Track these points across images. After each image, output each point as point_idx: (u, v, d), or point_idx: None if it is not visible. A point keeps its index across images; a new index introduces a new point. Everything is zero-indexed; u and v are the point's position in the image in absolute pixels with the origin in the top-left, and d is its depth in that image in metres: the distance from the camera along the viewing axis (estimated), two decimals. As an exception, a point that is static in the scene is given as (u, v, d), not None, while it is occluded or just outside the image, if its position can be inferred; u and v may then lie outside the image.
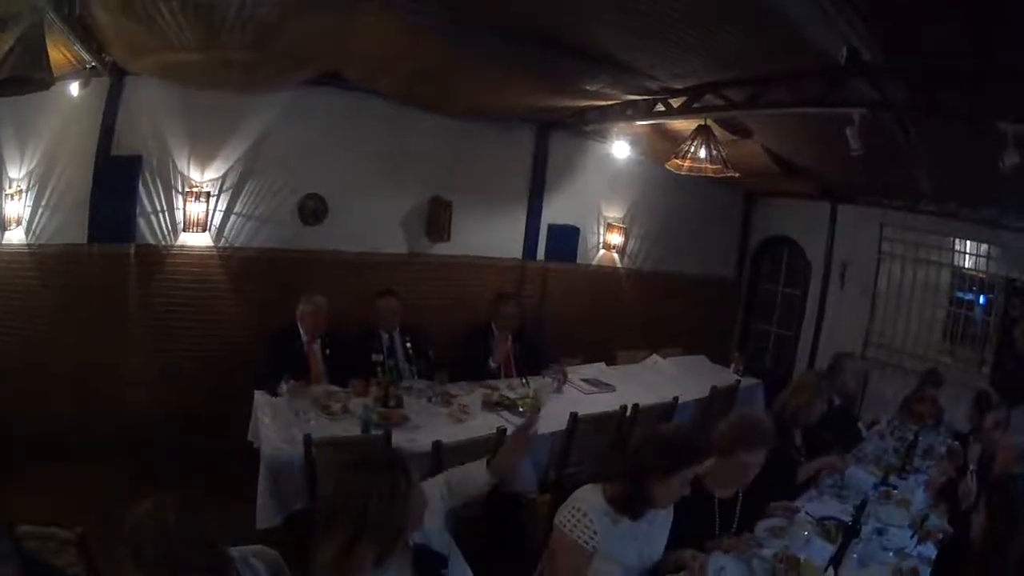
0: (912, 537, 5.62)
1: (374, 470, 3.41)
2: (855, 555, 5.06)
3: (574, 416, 7.31)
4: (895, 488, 6.77)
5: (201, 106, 8.34)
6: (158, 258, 8.40)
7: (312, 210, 8.99)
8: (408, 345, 8.43)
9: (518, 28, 6.55)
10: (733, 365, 10.99)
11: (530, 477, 7.10)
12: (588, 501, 4.13)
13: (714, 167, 8.70)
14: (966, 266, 13.02)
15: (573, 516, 4.08)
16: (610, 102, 9.06)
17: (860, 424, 9.02)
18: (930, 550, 5.44)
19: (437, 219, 9.73)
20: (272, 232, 8.97)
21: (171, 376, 8.48)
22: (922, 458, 7.91)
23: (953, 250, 12.98)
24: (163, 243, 8.39)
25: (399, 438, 6.39)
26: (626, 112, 9.11)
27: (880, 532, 5.59)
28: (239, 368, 8.08)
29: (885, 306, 13.59)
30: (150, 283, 8.49)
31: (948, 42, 6.01)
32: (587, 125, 10.08)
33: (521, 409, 7.51)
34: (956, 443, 8.41)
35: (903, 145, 8.51)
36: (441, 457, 6.12)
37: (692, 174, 8.91)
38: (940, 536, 5.57)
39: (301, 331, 7.95)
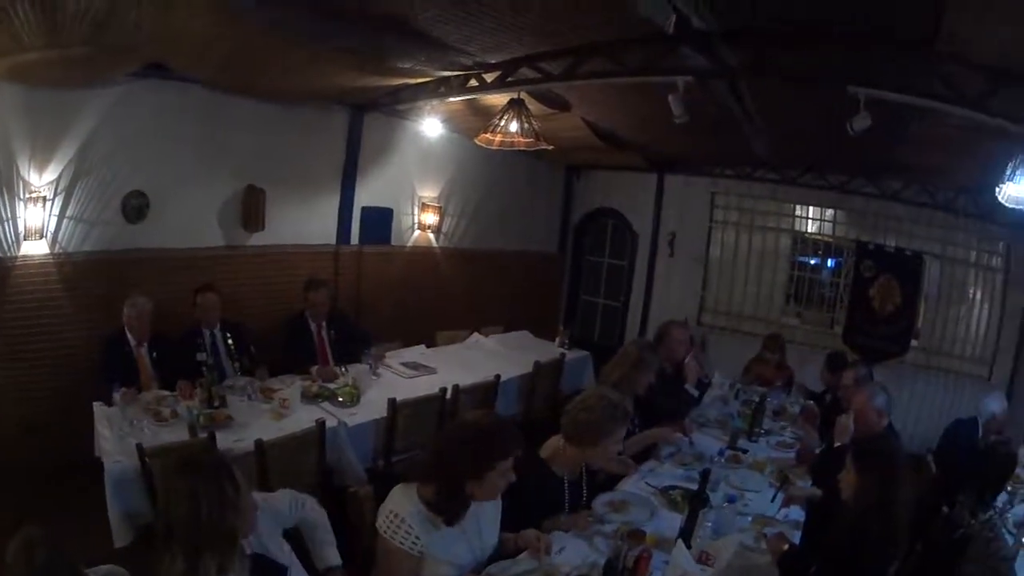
0: (773, 501, 5.64)
1: (199, 477, 3.29)
2: (709, 524, 4.93)
3: (393, 402, 7.17)
4: (745, 452, 6.89)
5: (42, 106, 7.81)
6: (2, 272, 7.88)
7: (135, 208, 8.41)
8: (230, 341, 8.09)
9: (329, 6, 6.34)
10: (558, 339, 11.08)
11: (356, 469, 6.90)
12: (403, 505, 3.92)
13: (526, 140, 8.50)
14: (809, 231, 13.53)
15: (392, 522, 3.88)
16: (424, 80, 8.80)
17: (691, 389, 8.73)
18: (798, 513, 5.50)
19: (251, 209, 9.28)
20: (101, 234, 8.28)
21: (19, 391, 7.95)
22: (773, 419, 8.12)
23: (794, 216, 13.45)
24: (8, 255, 7.88)
25: (225, 440, 6.12)
26: (439, 89, 8.81)
27: (732, 499, 5.55)
28: (83, 379, 7.78)
29: (720, 273, 13.98)
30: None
31: (788, 6, 5.97)
32: (401, 105, 9.81)
33: (340, 399, 7.32)
34: (811, 402, 8.63)
35: (738, 113, 8.53)
36: (265, 456, 5.90)
37: (503, 148, 8.72)
38: (804, 501, 5.57)
39: (128, 336, 7.57)
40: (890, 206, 12.61)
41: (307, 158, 9.90)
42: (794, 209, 13.51)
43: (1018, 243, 11.83)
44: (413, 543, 3.81)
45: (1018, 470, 7.05)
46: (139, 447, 5.53)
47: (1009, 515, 6.27)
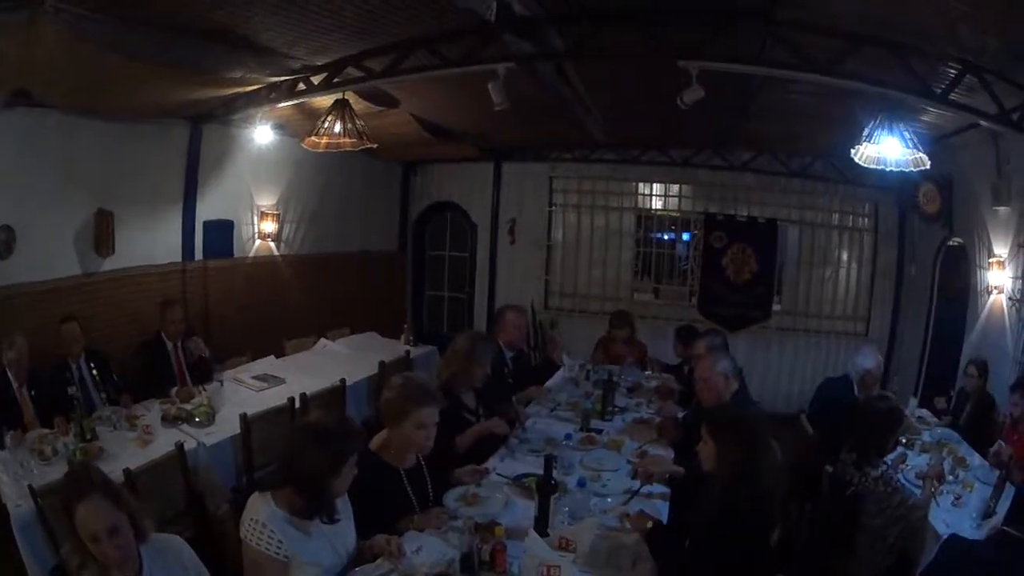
0: (634, 478, 5.59)
1: (80, 501, 3.30)
2: (565, 509, 4.92)
3: (244, 417, 7.06)
4: (599, 432, 6.88)
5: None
6: None
7: (3, 242, 8.34)
8: (94, 372, 7.93)
9: (161, 20, 6.41)
10: (403, 336, 11.09)
11: (221, 489, 6.74)
12: (261, 511, 3.85)
13: (351, 141, 8.63)
14: (654, 207, 13.71)
15: (254, 528, 3.80)
16: (255, 87, 8.74)
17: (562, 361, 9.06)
18: (662, 488, 5.47)
19: (102, 233, 9.11)
20: None
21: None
22: (629, 396, 8.17)
23: (636, 193, 13.61)
24: None
25: (98, 472, 6.08)
26: (270, 95, 8.73)
27: (582, 483, 5.44)
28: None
29: (563, 256, 13.98)
30: None
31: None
32: (235, 114, 9.75)
33: (197, 419, 7.18)
34: (668, 375, 8.72)
35: (569, 97, 8.55)
36: (135, 485, 5.61)
37: (331, 150, 8.62)
38: (665, 476, 5.44)
39: (10, 377, 7.45)
40: (740, 176, 12.94)
41: (151, 175, 9.48)
42: (636, 187, 13.78)
43: (884, 202, 12.34)
44: (278, 547, 3.76)
45: (913, 420, 7.36)
46: (30, 488, 5.52)
47: (909, 466, 6.56)
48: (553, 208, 14.10)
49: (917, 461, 6.77)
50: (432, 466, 5.11)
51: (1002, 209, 8.99)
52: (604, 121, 10.50)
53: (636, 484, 5.44)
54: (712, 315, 12.75)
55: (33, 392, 7.35)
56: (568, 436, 6.68)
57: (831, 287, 12.99)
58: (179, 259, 10.12)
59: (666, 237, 14.15)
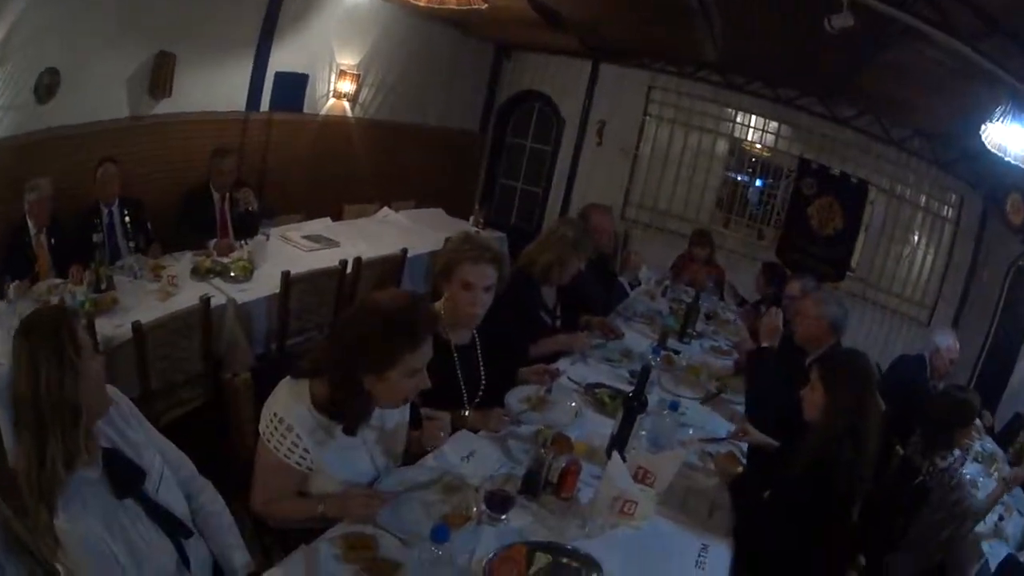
0: (704, 403, 5.30)
1: (35, 337, 2.73)
2: (644, 432, 4.31)
3: (286, 276, 6.57)
4: (677, 353, 6.29)
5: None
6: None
7: (46, 87, 7.75)
8: (127, 219, 7.38)
9: None
10: (472, 218, 10.65)
11: (246, 355, 6.38)
12: (290, 408, 3.19)
13: None
14: (749, 139, 13.19)
15: (276, 429, 3.17)
16: None
17: (624, 282, 8.44)
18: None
19: (160, 74, 8.61)
20: (12, 119, 7.63)
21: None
22: (705, 323, 7.64)
23: (734, 121, 13.09)
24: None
25: (106, 325, 5.48)
26: None
27: (674, 406, 4.80)
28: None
29: (649, 169, 13.48)
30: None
31: None
32: None
33: (232, 274, 6.72)
34: (744, 308, 8.40)
35: (696, 5, 8.08)
36: (144, 342, 5.31)
37: (432, 5, 7.97)
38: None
39: (30, 224, 6.80)
40: (840, 130, 12.33)
41: (225, 18, 9.05)
42: (735, 115, 13.22)
43: (970, 199, 11.70)
44: (301, 458, 3.17)
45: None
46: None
47: (965, 472, 6.14)
48: (647, 118, 13.50)
49: (971, 468, 6.40)
50: (488, 349, 4.64)
51: None
52: (723, 37, 9.88)
53: (723, 430, 4.95)
54: (788, 261, 12.25)
55: (53, 240, 6.96)
56: (655, 351, 6.09)
57: (906, 266, 12.53)
58: (243, 108, 9.59)
59: (741, 178, 13.74)
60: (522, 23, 11.01)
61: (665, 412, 4.65)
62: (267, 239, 7.77)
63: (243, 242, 7.64)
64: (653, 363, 5.66)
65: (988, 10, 5.77)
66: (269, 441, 3.18)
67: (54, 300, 5.85)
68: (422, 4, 8.04)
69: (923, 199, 12.24)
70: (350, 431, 3.26)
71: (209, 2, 8.65)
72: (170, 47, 8.33)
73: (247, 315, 6.41)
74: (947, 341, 7.49)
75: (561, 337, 5.75)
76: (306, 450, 3.15)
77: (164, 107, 8.61)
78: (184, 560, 2.98)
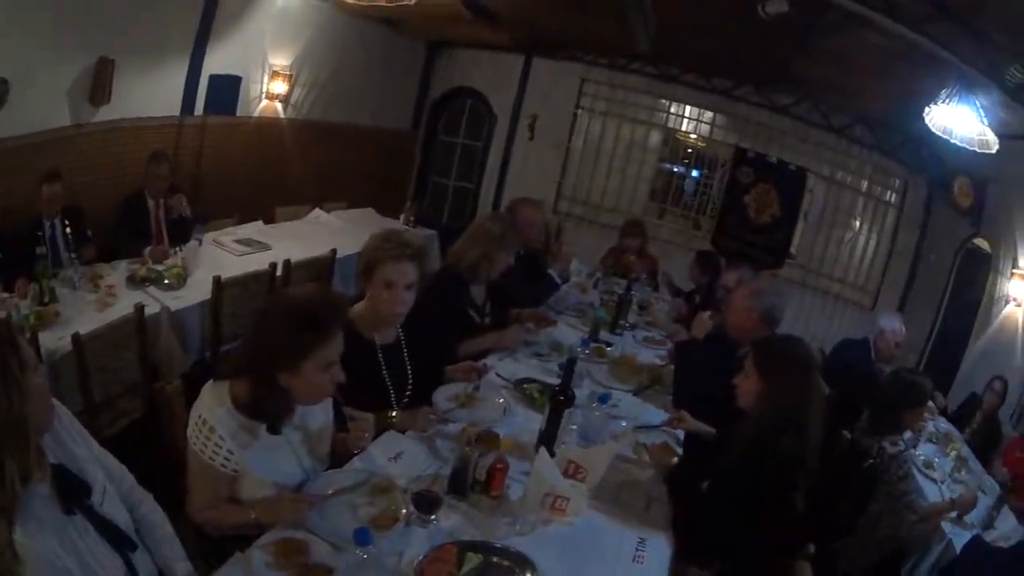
0: (636, 394, 5.25)
1: None
2: (574, 428, 4.28)
3: (217, 281, 6.51)
4: (609, 345, 6.25)
5: None
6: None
7: None
8: (68, 230, 7.32)
9: None
10: (403, 216, 10.62)
11: (182, 363, 6.29)
12: (212, 410, 3.17)
13: None
14: (683, 129, 13.36)
15: (201, 432, 3.15)
16: None
17: (555, 275, 8.31)
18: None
19: (100, 81, 8.56)
20: None
21: None
22: (638, 313, 7.68)
23: (668, 112, 13.22)
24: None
25: (50, 339, 5.38)
26: None
27: (604, 400, 4.81)
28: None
29: (581, 161, 13.58)
30: None
31: None
32: None
33: (167, 281, 6.63)
34: (678, 299, 8.41)
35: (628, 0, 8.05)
36: (83, 353, 5.20)
37: (364, 2, 8.07)
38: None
39: None
40: (777, 119, 12.53)
41: (161, 22, 8.97)
42: (669, 106, 13.36)
43: (915, 184, 12.00)
44: (225, 460, 3.14)
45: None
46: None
47: (919, 452, 6.36)
48: (579, 111, 13.63)
49: (925, 450, 6.60)
50: (415, 348, 4.57)
51: None
52: (657, 29, 9.88)
53: (657, 418, 4.88)
54: (724, 249, 12.34)
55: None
56: (585, 343, 6.08)
57: (847, 252, 12.74)
58: (178, 112, 9.59)
59: (676, 169, 13.94)
60: (454, 20, 11.03)
61: (595, 405, 4.64)
62: (200, 244, 7.79)
63: (177, 249, 7.50)
64: (582, 356, 5.61)
65: None
66: (195, 444, 3.17)
67: (0, 315, 5.82)
68: (353, 2, 8.07)
69: (865, 185, 12.48)
70: (272, 429, 3.24)
71: (147, 6, 8.61)
72: (110, 53, 8.30)
73: (182, 322, 6.35)
74: (892, 324, 7.57)
75: (491, 335, 5.65)
76: (230, 451, 3.14)
77: (104, 114, 8.61)
78: (132, 573, 2.90)
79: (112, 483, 2.98)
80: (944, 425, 7.44)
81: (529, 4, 10.27)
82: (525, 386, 4.91)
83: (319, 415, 3.56)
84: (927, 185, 11.95)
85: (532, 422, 4.25)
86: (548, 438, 3.95)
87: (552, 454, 3.81)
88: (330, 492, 3.29)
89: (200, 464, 3.16)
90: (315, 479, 3.43)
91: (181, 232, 7.97)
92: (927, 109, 6.72)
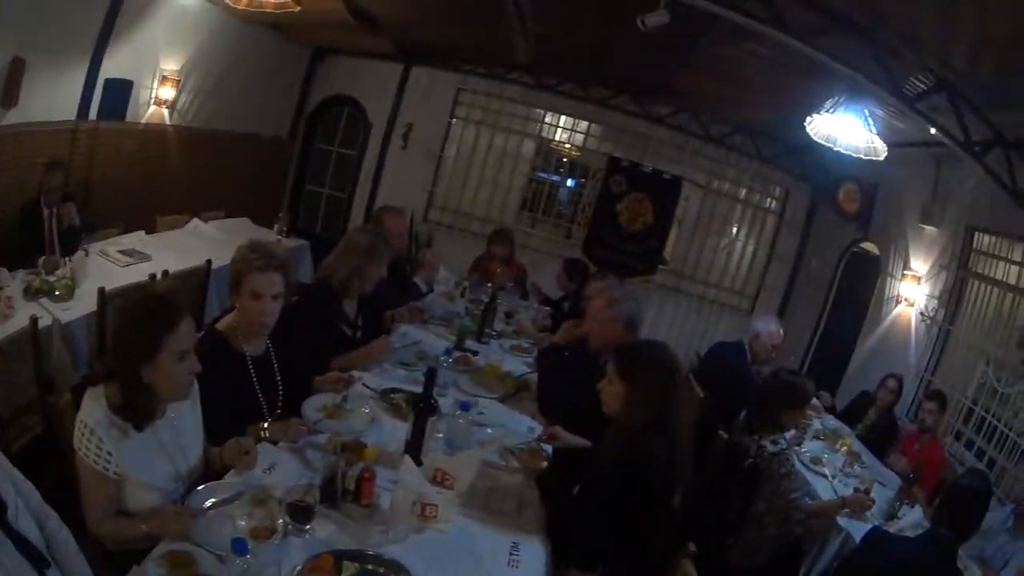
0: (503, 401, 5.40)
1: None
2: (440, 435, 4.38)
3: (102, 292, 6.35)
4: (475, 353, 6.40)
5: None
6: None
7: None
8: None
9: None
10: (276, 226, 10.59)
11: (73, 376, 6.16)
12: (92, 413, 3.26)
13: (277, 0, 7.95)
14: (556, 139, 13.45)
15: (83, 435, 3.24)
16: None
17: (421, 282, 8.44)
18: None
19: (11, 82, 8.46)
20: None
21: None
22: (506, 322, 7.84)
23: (542, 122, 13.31)
24: None
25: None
26: None
27: (465, 407, 4.88)
28: None
29: (453, 170, 13.63)
30: None
31: None
32: None
33: (58, 292, 6.50)
34: (545, 308, 8.45)
35: (511, 8, 8.17)
36: None
37: (251, 9, 8.00)
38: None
39: None
40: (654, 129, 12.74)
41: (69, 20, 8.78)
42: (543, 115, 13.45)
43: (798, 190, 12.38)
44: (106, 462, 3.22)
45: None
46: None
47: (805, 449, 6.50)
48: (454, 121, 13.68)
49: (811, 447, 6.72)
50: (285, 361, 4.60)
51: (929, 228, 9.28)
52: (537, 38, 9.96)
53: (524, 425, 5.05)
54: (595, 257, 12.47)
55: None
56: (447, 352, 6.19)
57: (724, 258, 13.03)
58: (74, 117, 9.32)
59: (553, 178, 14.12)
60: (338, 26, 11.03)
61: (457, 413, 4.74)
62: (87, 255, 7.71)
63: (68, 259, 7.58)
64: (445, 364, 5.79)
65: (825, 4, 6.03)
66: (80, 450, 3.25)
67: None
68: (240, 7, 8.17)
69: (743, 192, 12.77)
70: (139, 427, 3.33)
71: (58, 5, 8.44)
72: (23, 52, 8.13)
73: (72, 334, 6.24)
74: (768, 327, 7.69)
75: (361, 351, 5.58)
76: (109, 453, 3.23)
77: (11, 117, 8.33)
78: (48, 589, 2.98)
79: (22, 499, 2.97)
80: (832, 422, 7.71)
81: (412, 12, 10.34)
82: (392, 396, 4.97)
83: (189, 420, 3.67)
84: (811, 191, 12.32)
85: (399, 431, 4.28)
86: (414, 447, 4.04)
87: (419, 462, 3.92)
88: (209, 504, 3.39)
89: (88, 471, 3.25)
90: (196, 493, 3.50)
91: (70, 242, 7.84)
92: (808, 118, 6.87)
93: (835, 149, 6.93)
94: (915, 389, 8.61)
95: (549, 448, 4.61)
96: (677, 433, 3.92)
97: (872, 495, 5.78)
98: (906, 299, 9.40)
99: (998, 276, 8.22)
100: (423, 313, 6.79)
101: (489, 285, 8.24)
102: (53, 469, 3.51)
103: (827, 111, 6.61)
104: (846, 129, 6.75)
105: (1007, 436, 7.39)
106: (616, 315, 5.39)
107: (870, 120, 6.58)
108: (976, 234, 8.68)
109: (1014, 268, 7.87)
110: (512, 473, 4.28)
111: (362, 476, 3.60)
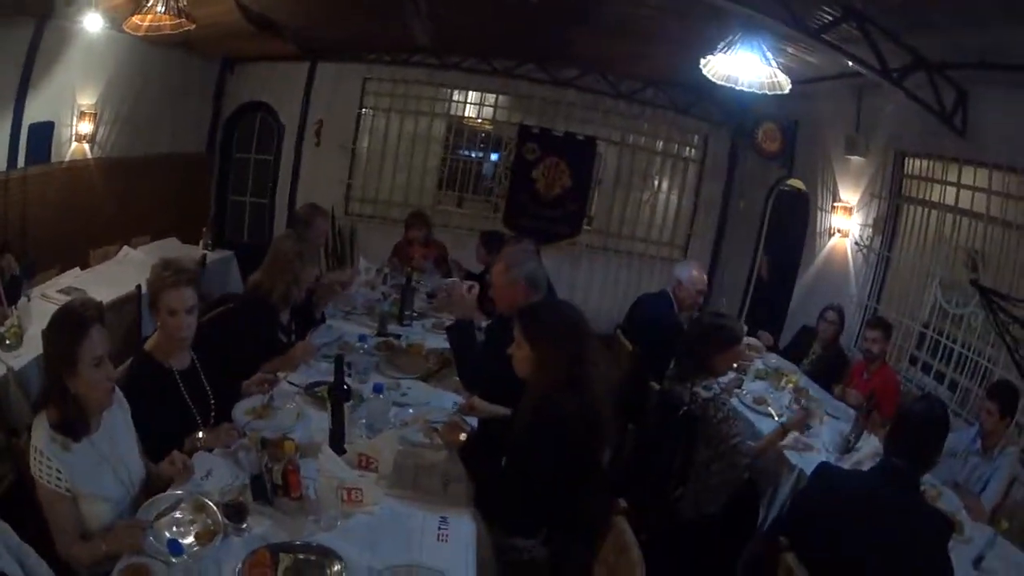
0: (426, 380, 5.55)
1: None
2: (362, 421, 4.51)
3: (44, 333, 6.57)
4: (397, 337, 6.58)
5: None
6: None
7: None
8: None
9: None
10: (202, 241, 10.57)
11: (30, 417, 6.39)
12: (40, 436, 3.43)
13: (172, 21, 7.95)
14: (468, 115, 13.47)
15: (35, 458, 3.41)
16: None
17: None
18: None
19: None
20: None
21: None
22: (428, 302, 8.00)
23: (451, 100, 13.28)
24: None
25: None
26: None
27: (378, 389, 4.92)
28: None
29: (368, 161, 13.60)
30: None
31: None
32: (70, 4, 9.08)
33: (8, 342, 6.40)
34: (454, 280, 8.29)
35: None
36: None
37: (151, 34, 8.17)
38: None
39: None
40: (562, 92, 12.74)
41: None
42: (451, 94, 13.42)
43: (716, 136, 12.50)
44: (57, 479, 3.38)
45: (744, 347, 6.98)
46: None
47: (746, 390, 6.58)
48: (363, 112, 13.58)
49: (753, 387, 6.77)
50: (214, 371, 4.75)
51: (855, 159, 9.24)
52: (432, 20, 10.05)
53: (449, 402, 5.18)
54: (518, 227, 12.46)
55: None
56: (362, 338, 6.20)
57: (648, 211, 13.12)
58: (3, 168, 9.38)
59: (474, 155, 14.02)
60: (240, 35, 11.05)
61: (372, 396, 4.82)
62: (29, 301, 7.59)
63: (13, 308, 7.73)
64: (362, 351, 5.89)
65: None
66: (35, 472, 3.41)
67: None
68: (140, 33, 8.28)
69: (660, 144, 12.85)
70: (77, 438, 3.46)
71: None
72: None
73: (26, 379, 6.24)
74: (688, 272, 7.65)
75: (285, 358, 5.56)
76: (59, 470, 3.38)
77: None
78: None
79: (1, 539, 3.11)
80: (775, 360, 7.71)
81: (307, 11, 10.41)
82: (316, 389, 5.05)
83: (122, 429, 3.79)
84: (730, 136, 12.45)
85: (325, 423, 4.31)
86: (336, 435, 4.16)
87: (343, 450, 4.08)
88: (155, 515, 3.46)
89: (46, 493, 3.39)
90: (142, 509, 3.54)
91: (13, 292, 7.84)
92: (703, 60, 6.79)
93: (737, 88, 6.88)
94: (860, 318, 8.72)
95: (474, 421, 4.63)
96: (592, 389, 3.95)
97: (811, 408, 5.94)
98: (839, 231, 9.53)
99: (934, 199, 8.26)
100: (346, 282, 7.16)
101: (409, 269, 8.25)
102: (32, 517, 3.57)
103: (720, 52, 6.56)
104: (745, 67, 6.66)
105: (966, 357, 7.38)
106: (516, 277, 5.39)
107: (768, 55, 6.51)
108: (907, 159, 8.76)
109: (951, 189, 7.88)
110: (436, 450, 4.38)
111: (287, 469, 3.68)
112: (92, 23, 9.22)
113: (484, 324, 6.13)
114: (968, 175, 7.56)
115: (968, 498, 5.39)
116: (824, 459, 5.14)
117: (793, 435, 5.63)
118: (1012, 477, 5.70)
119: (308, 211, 7.74)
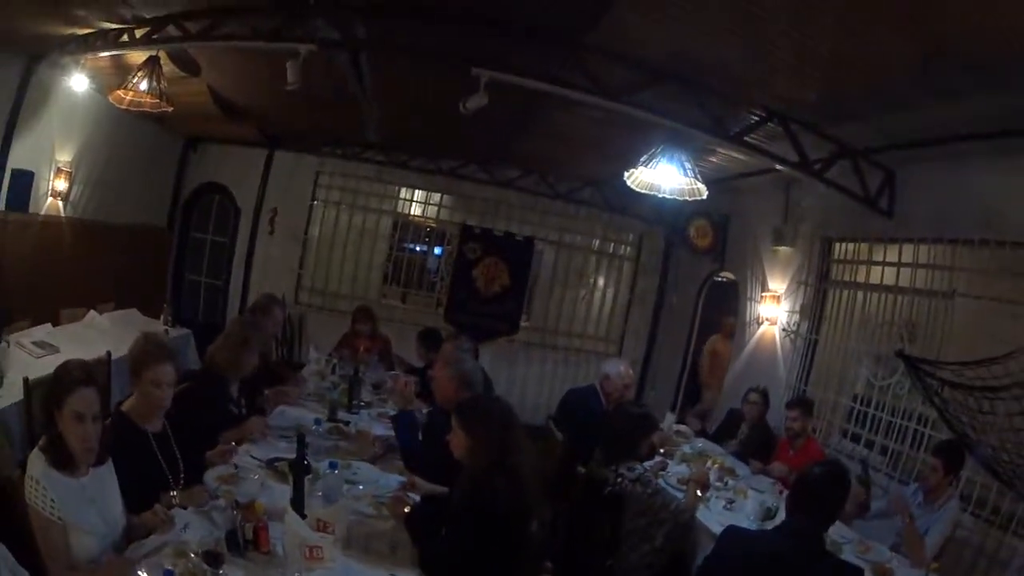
0: (373, 463, 5.77)
1: None
2: (319, 493, 4.81)
3: (26, 382, 6.31)
4: (347, 423, 6.84)
5: None
6: None
7: None
8: None
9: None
10: (162, 317, 10.57)
11: (10, 458, 6.03)
12: (37, 468, 3.63)
13: (152, 101, 8.15)
14: (413, 213, 13.68)
15: (31, 487, 3.59)
16: (90, 30, 8.40)
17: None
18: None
19: None
20: None
21: None
22: (374, 392, 8.19)
23: (397, 197, 13.60)
24: None
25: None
26: (96, 43, 8.39)
27: (333, 466, 5.10)
28: None
29: (318, 252, 13.92)
30: None
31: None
32: (66, 56, 9.19)
33: None
34: (412, 376, 7.96)
35: (356, 91, 8.33)
36: None
37: (132, 108, 8.30)
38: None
39: None
40: (503, 193, 13.15)
41: None
42: (398, 191, 13.87)
43: (651, 234, 12.80)
44: (51, 507, 3.54)
45: (671, 434, 7.67)
46: None
47: (671, 472, 6.78)
48: (315, 203, 13.85)
49: (678, 469, 6.96)
50: (181, 436, 4.95)
51: (783, 249, 9.68)
52: (382, 121, 10.31)
53: (394, 482, 5.43)
54: (458, 324, 12.70)
55: None
56: (317, 422, 6.54)
57: (584, 308, 13.37)
58: None
59: (419, 248, 14.50)
60: (206, 117, 11.24)
61: (327, 472, 5.03)
62: (8, 347, 7.55)
63: None
64: (317, 432, 6.19)
65: (651, 63, 6.32)
66: (30, 500, 3.54)
67: None
68: (122, 106, 8.34)
69: (596, 243, 13.14)
70: (70, 471, 3.64)
71: None
72: None
73: (6, 422, 6.25)
74: (616, 368, 7.95)
75: (239, 429, 5.84)
76: (52, 499, 3.51)
77: None
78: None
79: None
80: (700, 444, 8.05)
81: (271, 99, 10.31)
82: (275, 464, 5.33)
83: (109, 483, 3.94)
84: (664, 233, 12.69)
85: (286, 492, 4.56)
86: (297, 503, 4.37)
87: (303, 515, 4.25)
88: (143, 554, 3.66)
89: (40, 520, 3.52)
90: (131, 550, 3.76)
91: None
92: (627, 173, 7.09)
93: (659, 196, 7.22)
94: (788, 399, 8.55)
95: (418, 496, 4.98)
96: (518, 469, 4.33)
97: (708, 465, 6.43)
98: (767, 319, 9.80)
99: (859, 280, 8.52)
100: (296, 386, 7.39)
101: (355, 361, 8.57)
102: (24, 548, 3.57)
103: (643, 164, 6.85)
104: (666, 177, 6.96)
105: (894, 423, 7.53)
106: (452, 375, 5.79)
107: (687, 165, 6.75)
108: (834, 244, 9.04)
109: (876, 268, 8.12)
110: (384, 521, 4.73)
111: (258, 527, 3.98)
112: (78, 83, 9.34)
113: (425, 411, 6.46)
114: (893, 252, 7.80)
115: (913, 539, 5.72)
116: (731, 524, 5.10)
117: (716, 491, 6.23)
118: (955, 525, 5.92)
119: (266, 301, 8.27)
